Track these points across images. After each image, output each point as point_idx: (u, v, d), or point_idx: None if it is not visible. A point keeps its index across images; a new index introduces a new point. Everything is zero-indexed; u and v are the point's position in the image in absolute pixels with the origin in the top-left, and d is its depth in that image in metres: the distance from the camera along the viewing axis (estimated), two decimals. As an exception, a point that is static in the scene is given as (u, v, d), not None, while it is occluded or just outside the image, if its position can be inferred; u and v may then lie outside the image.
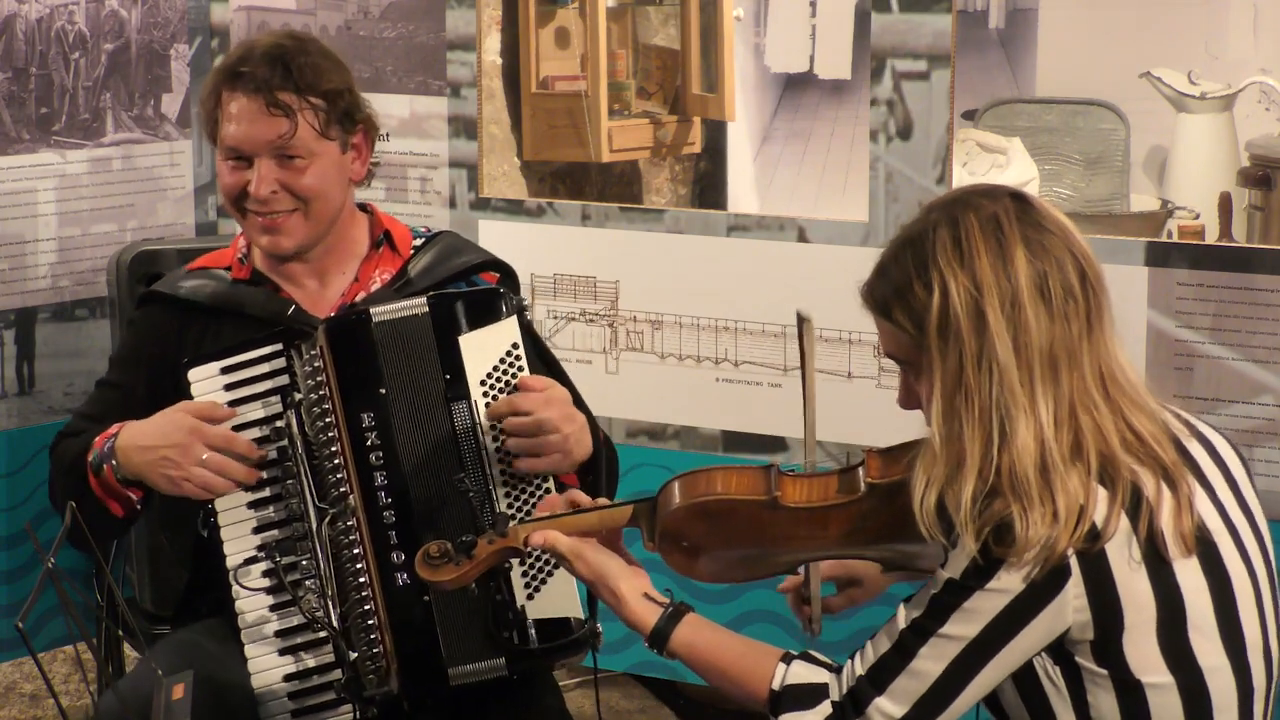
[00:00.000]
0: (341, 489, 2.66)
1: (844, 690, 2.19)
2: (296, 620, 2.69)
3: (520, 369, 2.70)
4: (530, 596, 2.63)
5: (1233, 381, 3.28)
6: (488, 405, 2.68)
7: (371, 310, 2.72)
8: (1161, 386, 3.29)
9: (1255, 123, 3.29)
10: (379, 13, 4.00)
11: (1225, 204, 3.32)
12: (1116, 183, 3.42)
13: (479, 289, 2.78)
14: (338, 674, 2.67)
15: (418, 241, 2.95)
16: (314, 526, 2.66)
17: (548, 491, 2.68)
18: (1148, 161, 3.40)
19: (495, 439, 2.67)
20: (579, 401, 2.77)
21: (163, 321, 2.88)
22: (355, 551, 2.65)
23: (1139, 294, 3.29)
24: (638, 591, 2.33)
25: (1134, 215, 3.41)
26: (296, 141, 2.76)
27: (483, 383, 2.69)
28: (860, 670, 2.19)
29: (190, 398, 2.73)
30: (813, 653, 2.27)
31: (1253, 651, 2.19)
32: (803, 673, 2.23)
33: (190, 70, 4.10)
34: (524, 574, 2.63)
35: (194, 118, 4.11)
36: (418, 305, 2.71)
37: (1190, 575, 2.14)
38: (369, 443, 2.67)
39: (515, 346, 2.71)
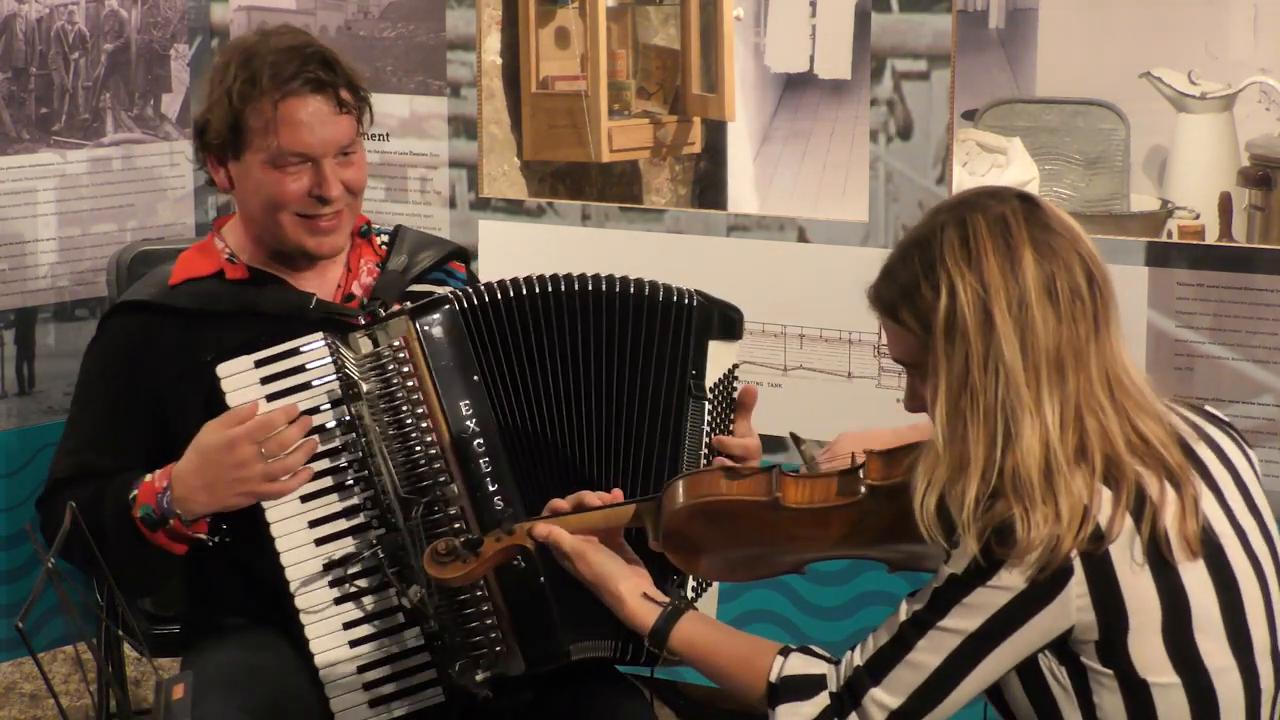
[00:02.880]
0: (438, 478, 2.64)
1: (842, 681, 2.20)
2: (367, 609, 2.66)
3: (733, 391, 2.77)
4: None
5: (1233, 381, 3.28)
6: (708, 412, 2.73)
7: (455, 295, 2.72)
8: (1161, 386, 3.28)
9: (1255, 123, 3.29)
10: (379, 13, 4.00)
11: (1225, 204, 3.32)
12: (1116, 183, 3.42)
13: (729, 306, 2.82)
14: (420, 659, 2.66)
15: (384, 237, 2.95)
16: (399, 517, 2.64)
17: None
18: (1148, 161, 3.40)
19: (708, 445, 2.73)
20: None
21: (152, 331, 2.79)
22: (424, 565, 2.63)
23: (1139, 294, 3.29)
24: (637, 592, 2.35)
25: (1134, 215, 3.41)
26: (355, 140, 2.79)
27: (711, 389, 2.74)
28: (859, 661, 2.19)
29: (221, 395, 2.67)
30: (811, 646, 2.27)
31: (1260, 655, 2.19)
32: (800, 665, 2.24)
33: (190, 70, 4.10)
34: (694, 588, 2.70)
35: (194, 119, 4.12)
36: (689, 295, 2.76)
37: (1196, 577, 2.14)
38: (470, 429, 2.66)
39: (735, 367, 2.78)
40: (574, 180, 3.90)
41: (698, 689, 4.12)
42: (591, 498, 2.47)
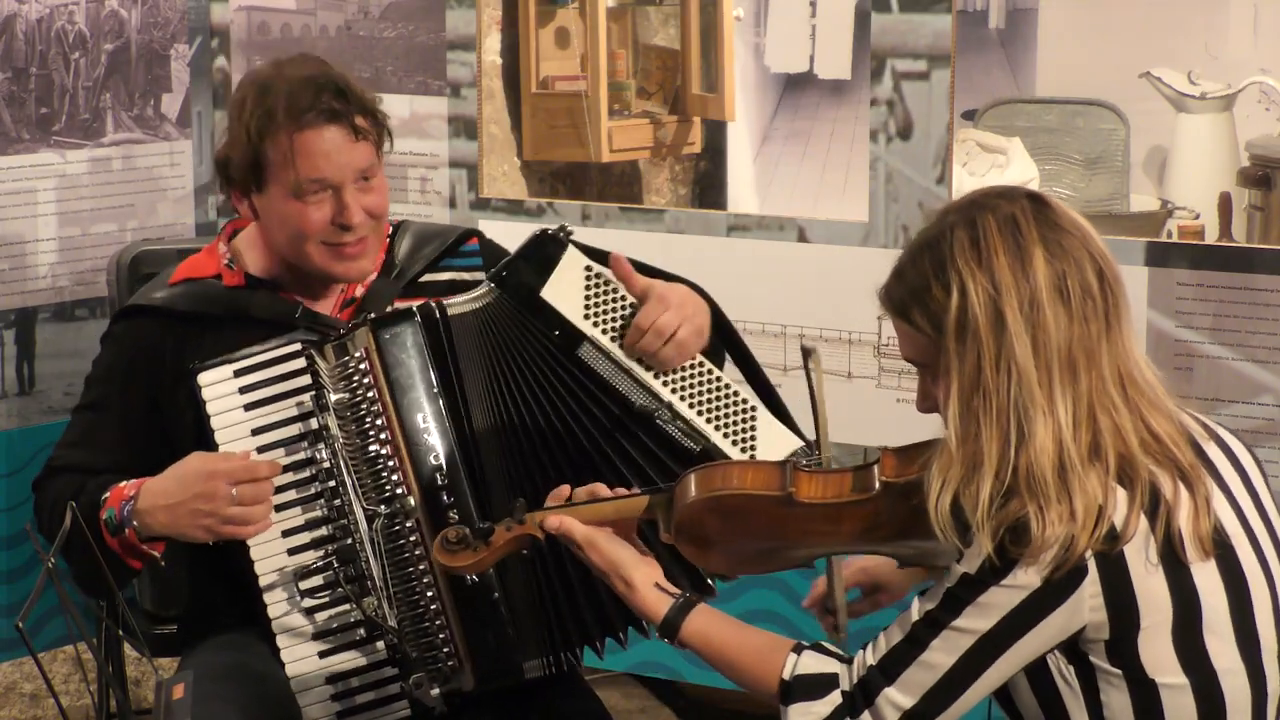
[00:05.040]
0: (397, 490, 2.65)
1: (855, 680, 2.20)
2: (335, 621, 2.68)
3: (607, 282, 2.71)
4: None
5: (1233, 381, 3.28)
6: (604, 333, 2.69)
7: (439, 303, 2.72)
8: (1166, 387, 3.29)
9: (1255, 123, 3.29)
10: (379, 13, 4.00)
11: (1225, 204, 3.32)
12: (1116, 183, 3.42)
13: (525, 245, 2.75)
14: (386, 671, 2.67)
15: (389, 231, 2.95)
16: (362, 528, 2.65)
17: (701, 363, 2.72)
18: (1148, 161, 3.40)
19: (634, 355, 2.69)
20: (664, 274, 2.78)
21: (154, 334, 2.82)
22: (418, 553, 2.65)
23: (1139, 294, 3.29)
24: (649, 581, 2.34)
25: (1134, 215, 3.41)
26: (374, 162, 2.78)
27: (587, 317, 2.69)
28: (872, 660, 2.19)
29: (201, 403, 2.70)
30: (824, 644, 2.27)
31: (1268, 656, 2.19)
32: (813, 663, 2.24)
33: (190, 70, 4.10)
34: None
35: (194, 118, 4.12)
36: (484, 295, 2.72)
37: (1207, 577, 2.14)
38: (426, 443, 2.67)
39: (589, 269, 2.71)
40: (574, 180, 3.90)
41: (697, 689, 4.12)
42: (603, 490, 2.47)
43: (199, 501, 2.62)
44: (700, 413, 2.70)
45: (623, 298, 2.71)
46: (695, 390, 2.72)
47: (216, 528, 2.63)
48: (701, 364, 2.73)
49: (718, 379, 2.73)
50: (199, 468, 2.64)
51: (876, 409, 3.54)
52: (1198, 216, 3.35)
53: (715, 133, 3.81)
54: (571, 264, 2.71)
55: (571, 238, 2.74)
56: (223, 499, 2.61)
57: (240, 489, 2.61)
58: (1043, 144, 3.45)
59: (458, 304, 2.72)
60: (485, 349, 2.71)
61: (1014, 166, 3.46)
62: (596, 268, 2.72)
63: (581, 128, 3.86)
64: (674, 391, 2.70)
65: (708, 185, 3.83)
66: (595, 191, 3.88)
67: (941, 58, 3.45)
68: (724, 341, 2.82)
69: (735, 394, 2.72)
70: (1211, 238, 3.32)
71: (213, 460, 2.65)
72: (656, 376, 2.70)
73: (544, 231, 2.74)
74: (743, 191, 3.77)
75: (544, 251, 2.72)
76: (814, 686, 2.21)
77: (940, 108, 3.46)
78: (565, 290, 2.70)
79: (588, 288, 2.71)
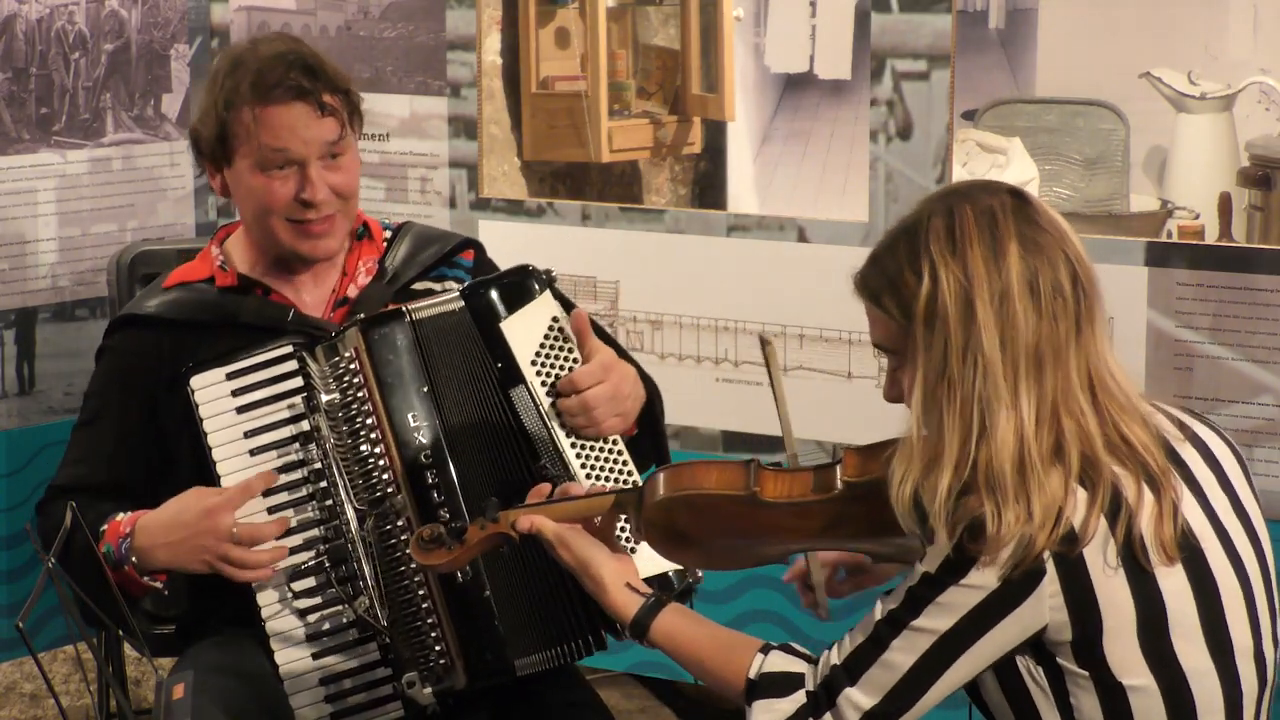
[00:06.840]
0: (387, 489, 2.66)
1: (819, 680, 2.20)
2: (328, 621, 2.68)
3: (566, 340, 2.71)
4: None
5: (1233, 381, 3.28)
6: (543, 384, 2.69)
7: (408, 308, 2.72)
8: (1161, 386, 3.29)
9: (1255, 123, 3.29)
10: (379, 13, 4.00)
11: (1225, 204, 3.32)
12: (1116, 183, 3.42)
13: (508, 272, 2.78)
14: (379, 672, 2.67)
15: (387, 233, 2.95)
16: (353, 528, 2.66)
17: (620, 452, 2.72)
18: (1148, 161, 3.40)
19: (559, 415, 2.69)
20: (621, 352, 2.79)
21: (147, 343, 2.83)
22: (409, 552, 2.62)
23: (1139, 294, 3.29)
24: (620, 580, 2.35)
25: (1134, 215, 3.41)
26: (342, 141, 2.78)
27: (533, 363, 2.70)
28: (836, 660, 2.20)
29: (194, 407, 2.71)
30: (793, 644, 2.28)
31: (1241, 656, 2.18)
32: (779, 662, 2.24)
33: (190, 70, 4.10)
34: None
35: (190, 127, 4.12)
36: (452, 301, 2.73)
37: (1172, 580, 2.14)
38: (416, 442, 2.68)
39: (555, 320, 2.72)
40: (574, 180, 3.90)
41: (697, 689, 4.12)
42: (576, 489, 2.48)
43: (201, 538, 2.63)
44: None
45: (573, 356, 2.72)
46: (602, 470, 2.72)
47: (215, 566, 2.63)
48: (621, 452, 2.73)
49: (629, 471, 2.73)
50: (198, 504, 2.65)
51: (877, 409, 3.54)
52: (1198, 216, 3.35)
53: (715, 133, 3.81)
54: (541, 308, 2.73)
55: (554, 282, 2.75)
56: (223, 536, 2.62)
57: (240, 528, 2.62)
58: (1043, 144, 3.46)
59: (422, 307, 2.73)
60: (442, 353, 2.72)
61: (1014, 166, 3.46)
62: (563, 321, 2.73)
63: (581, 128, 3.86)
64: (583, 465, 2.70)
65: (708, 185, 3.83)
66: (595, 191, 3.88)
67: (941, 58, 3.45)
68: (650, 437, 2.82)
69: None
70: (1211, 238, 3.32)
71: (209, 496, 2.65)
72: (574, 445, 2.70)
73: (530, 267, 2.75)
74: (743, 191, 3.77)
75: (522, 285, 2.73)
76: (779, 685, 2.22)
77: (940, 108, 3.46)
78: (524, 330, 2.71)
79: (546, 336, 2.72)
